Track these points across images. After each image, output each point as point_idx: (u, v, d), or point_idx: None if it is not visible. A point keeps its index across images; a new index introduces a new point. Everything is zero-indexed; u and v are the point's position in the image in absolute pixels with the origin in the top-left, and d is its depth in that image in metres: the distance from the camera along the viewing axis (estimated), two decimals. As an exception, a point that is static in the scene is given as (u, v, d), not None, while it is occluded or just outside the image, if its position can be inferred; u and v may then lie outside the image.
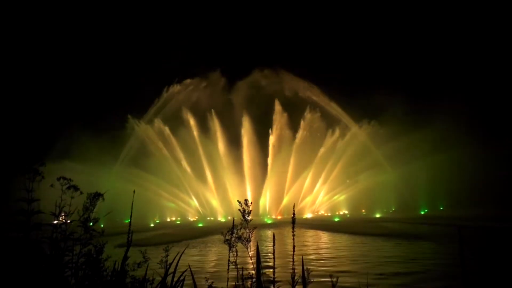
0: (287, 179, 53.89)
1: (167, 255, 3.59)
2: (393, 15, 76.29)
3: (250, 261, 3.45)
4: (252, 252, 3.51)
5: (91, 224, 3.43)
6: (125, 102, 53.10)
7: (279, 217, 51.32)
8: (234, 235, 3.56)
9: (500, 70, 59.78)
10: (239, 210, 3.50)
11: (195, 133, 53.57)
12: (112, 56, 68.71)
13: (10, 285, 3.06)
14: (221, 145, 54.68)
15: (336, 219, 43.41)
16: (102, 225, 3.56)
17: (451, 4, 71.40)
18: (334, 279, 3.21)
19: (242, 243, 3.51)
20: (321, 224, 33.00)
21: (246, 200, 3.56)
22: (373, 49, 72.15)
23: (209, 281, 3.59)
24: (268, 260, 13.11)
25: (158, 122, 52.99)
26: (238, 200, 3.59)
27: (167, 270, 3.45)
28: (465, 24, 67.07)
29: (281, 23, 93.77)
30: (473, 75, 59.98)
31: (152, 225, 43.09)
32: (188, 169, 52.34)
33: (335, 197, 53.68)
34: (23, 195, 3.38)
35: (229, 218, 49.06)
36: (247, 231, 3.52)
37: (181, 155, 52.70)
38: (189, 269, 3.62)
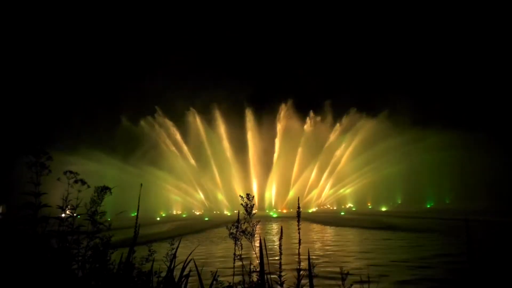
0: (293, 172, 53.93)
1: (172, 248, 3.60)
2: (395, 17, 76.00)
3: (256, 255, 3.45)
4: (257, 247, 3.51)
5: (98, 217, 3.44)
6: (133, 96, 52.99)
7: (284, 211, 51.42)
8: (238, 229, 3.55)
9: (503, 68, 59.41)
10: (242, 204, 3.49)
11: (201, 127, 53.60)
12: (127, 48, 68.61)
13: (18, 278, 3.09)
14: (226, 139, 54.73)
15: (342, 213, 43.37)
16: (109, 219, 3.58)
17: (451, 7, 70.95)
18: (344, 272, 3.20)
19: (246, 237, 3.50)
20: (326, 219, 32.79)
21: (248, 194, 3.54)
22: (381, 48, 72.20)
23: (215, 274, 3.60)
24: (274, 254, 13.15)
25: (162, 117, 53.01)
26: (240, 195, 3.57)
27: (171, 263, 3.46)
28: (465, 25, 66.68)
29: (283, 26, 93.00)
30: (477, 73, 59.62)
31: (158, 218, 43.36)
32: (193, 162, 52.58)
33: (341, 190, 53.67)
34: (30, 189, 3.40)
35: (235, 211, 49.24)
36: (251, 225, 3.50)
37: (186, 149, 52.94)
38: (195, 263, 3.63)
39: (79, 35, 68.05)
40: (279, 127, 55.60)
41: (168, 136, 53.11)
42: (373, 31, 79.65)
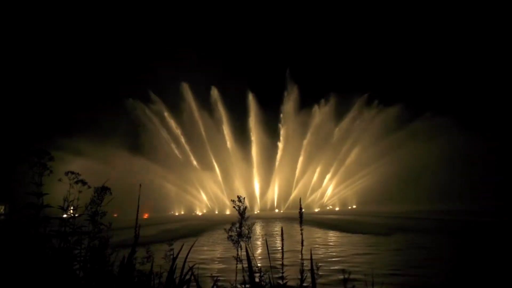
0: (296, 172, 53.80)
1: (172, 249, 3.60)
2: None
3: (257, 255, 3.44)
4: (260, 248, 3.50)
5: (99, 218, 3.44)
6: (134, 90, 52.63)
7: (282, 211, 51.44)
8: (235, 231, 3.52)
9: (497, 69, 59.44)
10: (234, 207, 3.46)
11: (202, 126, 53.42)
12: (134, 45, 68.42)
13: (21, 278, 3.09)
14: (229, 138, 54.68)
15: (345, 215, 43.15)
16: (115, 214, 3.57)
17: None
18: (347, 275, 3.18)
19: (243, 240, 3.49)
20: (330, 221, 31.90)
21: (239, 197, 3.51)
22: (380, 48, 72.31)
23: (215, 277, 3.59)
24: (276, 252, 13.10)
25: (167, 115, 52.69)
26: (232, 199, 3.54)
27: (173, 264, 3.45)
28: (460, 29, 66.77)
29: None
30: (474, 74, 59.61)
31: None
32: (195, 162, 52.56)
33: (344, 190, 53.60)
34: (33, 189, 3.40)
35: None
36: (246, 228, 3.49)
37: (188, 148, 52.90)
38: (196, 265, 3.62)
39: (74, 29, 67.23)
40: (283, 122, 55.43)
41: (173, 139, 53.05)
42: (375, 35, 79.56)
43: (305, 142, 53.61)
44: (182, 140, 52.98)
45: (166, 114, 52.60)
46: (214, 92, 54.34)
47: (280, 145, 55.21)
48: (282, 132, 55.56)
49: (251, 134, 54.89)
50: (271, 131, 55.17)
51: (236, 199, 3.52)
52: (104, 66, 60.70)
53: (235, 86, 53.25)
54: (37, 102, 52.73)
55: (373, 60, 68.00)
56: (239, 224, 3.49)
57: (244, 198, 3.54)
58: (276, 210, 51.80)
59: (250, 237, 3.48)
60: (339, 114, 54.62)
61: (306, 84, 56.88)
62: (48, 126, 48.31)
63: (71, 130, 45.84)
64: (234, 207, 3.46)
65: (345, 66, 66.07)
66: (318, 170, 53.00)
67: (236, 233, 3.48)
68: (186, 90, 53.08)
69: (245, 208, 3.49)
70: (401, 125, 49.09)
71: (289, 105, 55.43)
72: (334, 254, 14.27)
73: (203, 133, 53.04)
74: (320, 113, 54.78)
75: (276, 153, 54.87)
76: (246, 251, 3.43)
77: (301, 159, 53.56)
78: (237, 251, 3.47)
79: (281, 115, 55.84)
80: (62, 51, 61.89)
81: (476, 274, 10.66)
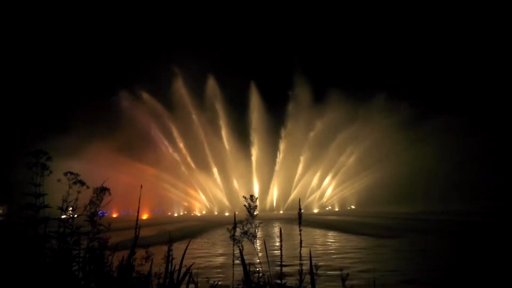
0: (296, 173, 53.70)
1: (170, 249, 3.59)
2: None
3: (257, 256, 3.43)
4: (259, 249, 3.50)
5: (98, 218, 3.43)
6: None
7: (281, 212, 51.44)
8: (238, 230, 3.53)
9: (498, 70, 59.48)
10: (244, 205, 3.48)
11: (201, 128, 53.23)
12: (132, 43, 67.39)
13: (20, 279, 3.08)
14: (228, 139, 54.56)
15: (345, 216, 43.14)
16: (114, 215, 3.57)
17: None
18: (344, 274, 3.19)
19: (248, 239, 3.50)
20: (327, 222, 31.89)
21: (251, 196, 3.54)
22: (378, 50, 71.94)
23: (214, 278, 3.59)
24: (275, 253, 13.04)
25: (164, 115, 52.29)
26: (243, 196, 3.56)
27: (171, 265, 3.45)
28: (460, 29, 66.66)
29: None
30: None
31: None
32: (193, 163, 52.44)
33: (343, 192, 53.55)
34: (30, 189, 3.39)
35: (237, 213, 48.91)
36: (253, 226, 3.50)
37: (186, 150, 52.75)
38: (194, 265, 3.62)
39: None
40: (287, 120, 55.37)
41: (171, 141, 52.84)
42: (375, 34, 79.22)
43: (309, 137, 53.43)
44: (179, 139, 52.70)
45: (161, 111, 52.17)
46: (211, 82, 53.49)
47: (288, 122, 54.81)
48: (289, 109, 54.96)
49: (252, 124, 54.52)
50: (272, 131, 55.12)
51: (235, 199, 3.54)
52: (97, 64, 59.48)
53: (236, 87, 52.96)
54: (34, 101, 52.11)
55: (376, 60, 67.41)
56: (247, 223, 3.51)
57: (257, 198, 3.59)
58: (275, 211, 51.71)
59: (256, 236, 3.49)
60: (343, 113, 54.41)
61: (310, 82, 56.23)
62: (45, 126, 47.74)
63: (65, 130, 45.21)
64: (244, 205, 3.50)
65: (350, 64, 65.28)
66: (319, 170, 52.87)
67: (241, 232, 3.51)
68: (180, 84, 52.36)
69: (256, 206, 3.54)
70: (402, 126, 49.05)
71: (297, 90, 55.19)
72: (333, 254, 14.30)
73: (201, 131, 52.73)
74: (325, 112, 54.54)
75: (276, 153, 54.77)
76: (240, 251, 3.43)
77: (302, 158, 53.41)
78: (240, 250, 3.47)
79: (290, 92, 55.41)
80: (55, 51, 60.88)
81: (476, 275, 10.67)
